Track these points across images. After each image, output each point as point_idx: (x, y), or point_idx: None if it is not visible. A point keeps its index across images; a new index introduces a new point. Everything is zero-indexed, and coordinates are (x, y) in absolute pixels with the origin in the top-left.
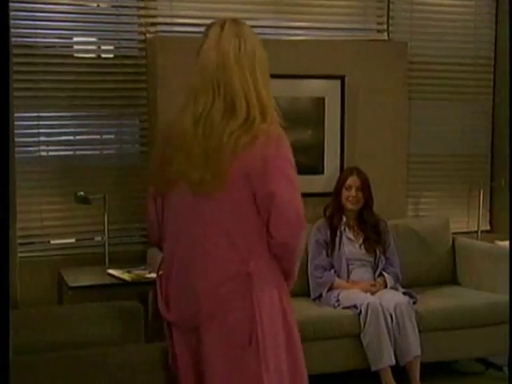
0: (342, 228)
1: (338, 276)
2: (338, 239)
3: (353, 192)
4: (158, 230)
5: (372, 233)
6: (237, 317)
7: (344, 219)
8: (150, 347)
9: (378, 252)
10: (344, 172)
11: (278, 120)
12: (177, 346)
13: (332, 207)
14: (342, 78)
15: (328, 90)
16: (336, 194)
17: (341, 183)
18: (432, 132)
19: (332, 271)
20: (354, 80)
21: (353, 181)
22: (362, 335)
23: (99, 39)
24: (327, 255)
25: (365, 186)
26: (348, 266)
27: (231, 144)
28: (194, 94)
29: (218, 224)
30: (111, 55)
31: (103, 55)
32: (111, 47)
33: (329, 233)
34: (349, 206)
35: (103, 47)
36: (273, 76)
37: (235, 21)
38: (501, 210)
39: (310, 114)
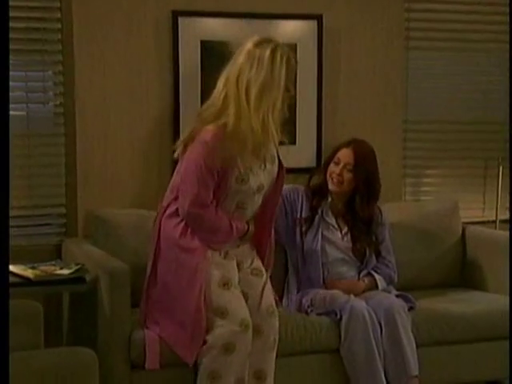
0: (324, 210)
1: (308, 263)
2: (317, 218)
3: (338, 169)
4: None
5: (361, 226)
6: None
7: (329, 199)
8: (74, 351)
9: (367, 251)
10: (341, 143)
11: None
12: None
13: (317, 180)
14: (318, 19)
15: (301, 34)
16: (325, 167)
17: (332, 155)
18: (436, 92)
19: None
20: (335, 21)
21: (344, 155)
22: (341, 349)
23: None
24: (300, 234)
25: (359, 167)
26: (323, 246)
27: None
28: None
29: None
30: None
31: None
32: None
33: (308, 208)
34: (329, 184)
35: None
36: (230, 15)
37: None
38: None
39: None
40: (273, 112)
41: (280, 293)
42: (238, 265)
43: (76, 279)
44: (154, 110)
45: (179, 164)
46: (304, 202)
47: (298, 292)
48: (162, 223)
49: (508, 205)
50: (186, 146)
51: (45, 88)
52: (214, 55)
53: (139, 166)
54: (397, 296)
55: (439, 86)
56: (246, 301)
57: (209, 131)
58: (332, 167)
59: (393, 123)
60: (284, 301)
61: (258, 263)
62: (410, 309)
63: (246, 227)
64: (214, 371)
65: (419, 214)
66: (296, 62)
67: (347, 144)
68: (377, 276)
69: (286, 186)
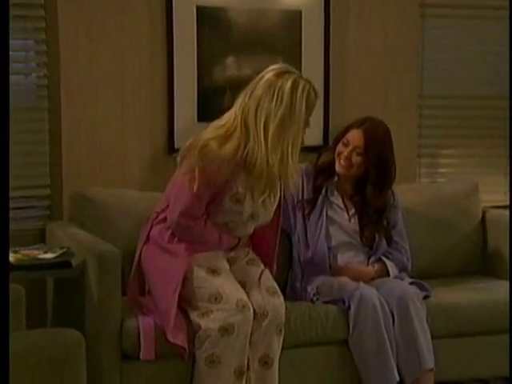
0: (329, 189)
1: (312, 248)
2: (321, 198)
3: (346, 151)
4: None
5: (372, 214)
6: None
7: (335, 179)
8: (59, 331)
9: (376, 236)
10: (354, 121)
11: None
12: None
13: (326, 157)
14: None
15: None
16: (334, 145)
17: (341, 134)
18: (454, 64)
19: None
20: None
21: (353, 136)
22: (350, 340)
23: None
24: (303, 218)
25: (370, 151)
26: (328, 228)
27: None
28: None
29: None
30: None
31: None
32: None
33: (311, 188)
34: (337, 166)
35: None
36: None
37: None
38: None
39: (281, 34)
40: (292, 148)
41: (283, 282)
42: (232, 260)
43: (61, 263)
44: (147, 82)
45: (178, 176)
46: (305, 183)
47: (302, 280)
48: (152, 226)
49: None
50: (192, 171)
51: (27, 58)
52: (211, 22)
53: (131, 143)
54: (410, 284)
55: (457, 57)
56: (245, 288)
57: (205, 146)
58: (340, 147)
59: (407, 98)
60: (288, 290)
61: (253, 255)
62: (425, 297)
63: (237, 240)
64: (213, 356)
65: (435, 196)
66: (316, 94)
67: (359, 124)
68: (388, 262)
69: None
